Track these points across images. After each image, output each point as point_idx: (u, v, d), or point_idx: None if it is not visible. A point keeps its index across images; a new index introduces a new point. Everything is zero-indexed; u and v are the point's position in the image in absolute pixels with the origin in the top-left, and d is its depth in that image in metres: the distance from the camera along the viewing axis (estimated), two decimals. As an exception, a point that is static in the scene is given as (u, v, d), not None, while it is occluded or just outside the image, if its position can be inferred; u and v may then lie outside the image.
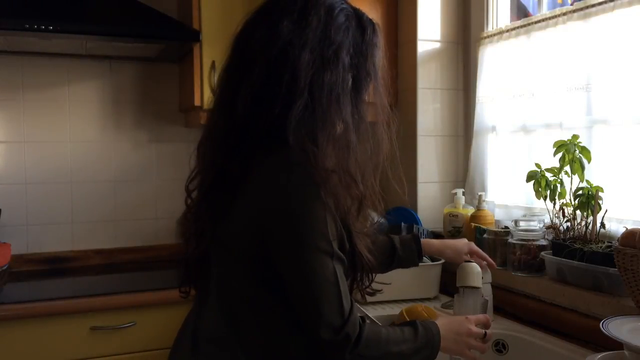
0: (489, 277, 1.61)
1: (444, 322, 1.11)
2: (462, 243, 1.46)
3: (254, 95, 0.99)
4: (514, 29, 1.87)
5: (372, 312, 1.71)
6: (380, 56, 1.07)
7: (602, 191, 1.50)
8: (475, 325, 1.15)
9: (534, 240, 1.65)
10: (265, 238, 0.96)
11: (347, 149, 1.00)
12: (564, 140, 1.55)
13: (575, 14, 1.64)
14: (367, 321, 1.00)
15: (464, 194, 2.01)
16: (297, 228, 0.93)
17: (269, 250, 0.96)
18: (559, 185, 1.59)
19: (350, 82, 1.03)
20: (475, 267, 1.58)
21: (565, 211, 1.58)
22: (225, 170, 1.00)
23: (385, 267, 1.38)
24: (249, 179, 0.97)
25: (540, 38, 1.77)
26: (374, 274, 1.10)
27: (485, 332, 1.15)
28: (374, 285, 1.13)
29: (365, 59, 1.05)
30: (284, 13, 1.02)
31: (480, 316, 1.19)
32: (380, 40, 1.08)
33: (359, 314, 0.98)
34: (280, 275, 0.96)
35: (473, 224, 1.88)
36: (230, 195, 0.99)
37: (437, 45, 2.15)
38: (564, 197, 1.59)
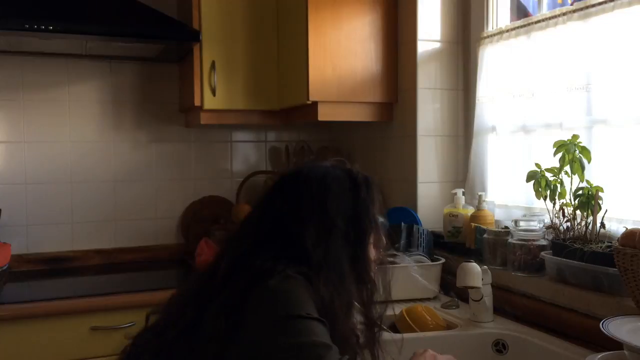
0: (488, 278, 1.62)
1: None
2: None
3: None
4: (514, 29, 1.87)
5: (372, 312, 1.71)
6: (377, 208, 1.15)
7: (602, 191, 1.50)
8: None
9: (534, 240, 1.64)
10: None
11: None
12: (564, 140, 1.55)
13: (575, 14, 1.64)
14: None
15: (464, 194, 2.01)
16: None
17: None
18: (559, 185, 1.59)
19: (352, 242, 1.10)
20: (475, 267, 1.58)
21: (565, 211, 1.58)
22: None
23: None
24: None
25: (540, 38, 1.77)
26: None
27: None
28: None
29: (363, 216, 1.12)
30: (278, 191, 1.15)
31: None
32: (376, 194, 1.15)
33: None
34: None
35: (473, 224, 1.88)
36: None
37: (437, 45, 2.15)
38: (564, 197, 1.59)
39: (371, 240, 1.13)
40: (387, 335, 1.58)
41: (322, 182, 1.11)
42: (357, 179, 1.14)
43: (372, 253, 1.14)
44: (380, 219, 1.16)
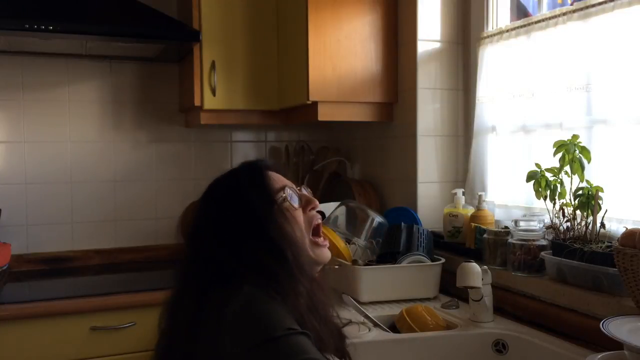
0: (489, 278, 1.62)
1: None
2: None
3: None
4: (514, 29, 1.87)
5: (373, 312, 1.71)
6: (274, 182, 1.11)
7: (602, 191, 1.50)
8: None
9: (534, 240, 1.64)
10: None
11: None
12: (564, 140, 1.55)
13: (575, 14, 1.64)
14: None
15: (464, 194, 2.01)
16: None
17: None
18: (559, 185, 1.59)
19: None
20: (475, 267, 1.58)
21: (565, 211, 1.57)
22: None
23: None
24: None
25: (540, 38, 1.77)
26: None
27: None
28: None
29: (258, 202, 1.07)
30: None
31: None
32: (268, 169, 1.13)
33: None
34: None
35: (473, 224, 1.88)
36: None
37: (437, 45, 2.15)
38: (564, 197, 1.59)
39: (285, 214, 1.08)
40: (387, 335, 1.59)
41: (207, 196, 1.11)
42: (239, 171, 1.13)
43: (297, 220, 1.10)
44: (289, 190, 1.10)
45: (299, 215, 1.11)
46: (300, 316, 0.97)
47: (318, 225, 1.14)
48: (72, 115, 2.51)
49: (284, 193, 1.09)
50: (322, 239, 1.15)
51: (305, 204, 1.13)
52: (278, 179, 1.13)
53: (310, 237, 1.13)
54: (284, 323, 0.90)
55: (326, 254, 1.14)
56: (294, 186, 1.14)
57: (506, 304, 1.68)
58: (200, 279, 1.02)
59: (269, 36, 2.38)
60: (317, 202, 1.15)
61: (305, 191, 1.17)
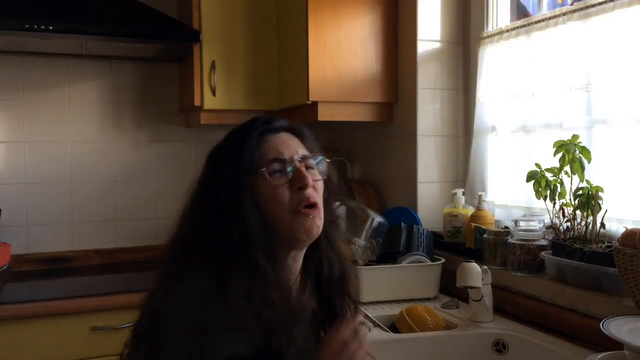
0: (488, 278, 1.62)
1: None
2: None
3: None
4: (514, 29, 1.87)
5: (373, 312, 1.71)
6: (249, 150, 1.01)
7: (602, 191, 1.50)
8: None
9: (534, 240, 1.64)
10: None
11: None
12: (564, 140, 1.55)
13: (575, 14, 1.64)
14: None
15: (464, 194, 2.01)
16: None
17: None
18: (559, 185, 1.59)
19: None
20: (475, 267, 1.58)
21: (565, 211, 1.58)
22: None
23: None
24: None
25: (540, 38, 1.77)
26: None
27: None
28: None
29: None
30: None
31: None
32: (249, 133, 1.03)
33: None
34: None
35: (473, 224, 1.88)
36: None
37: (437, 45, 2.15)
38: (564, 197, 1.59)
39: (261, 190, 0.99)
40: (387, 335, 1.59)
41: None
42: (236, 129, 1.05)
43: (276, 199, 0.98)
44: (276, 164, 0.99)
45: (282, 193, 0.99)
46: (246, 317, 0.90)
47: (306, 207, 1.00)
48: (72, 115, 2.50)
49: (268, 166, 0.99)
50: (310, 210, 1.00)
51: (291, 182, 1.00)
52: (280, 145, 1.02)
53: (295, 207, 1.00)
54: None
55: (309, 224, 1.00)
56: (294, 157, 1.01)
57: (506, 304, 1.68)
58: (166, 258, 1.02)
59: (269, 36, 2.38)
60: (309, 181, 1.00)
61: (316, 166, 1.04)
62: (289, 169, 1.00)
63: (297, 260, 1.05)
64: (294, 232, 1.00)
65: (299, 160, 1.02)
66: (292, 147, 1.03)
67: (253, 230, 0.96)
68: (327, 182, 1.07)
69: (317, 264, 1.08)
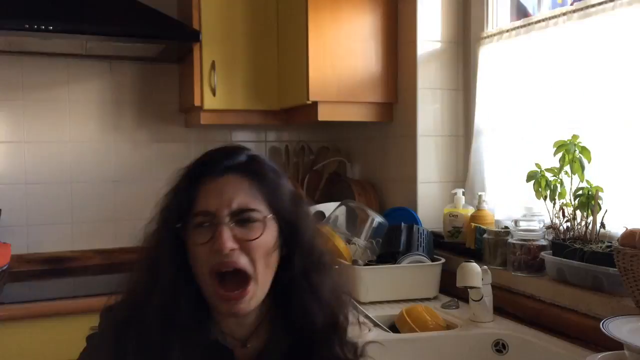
0: (488, 278, 1.62)
1: None
2: None
3: None
4: (514, 29, 1.87)
5: (373, 312, 1.71)
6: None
7: (602, 191, 1.50)
8: None
9: (534, 240, 1.64)
10: None
11: None
12: (564, 140, 1.55)
13: (575, 14, 1.64)
14: None
15: (464, 194, 2.01)
16: None
17: None
18: (559, 185, 1.59)
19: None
20: (475, 267, 1.58)
21: (565, 211, 1.57)
22: None
23: None
24: None
25: (540, 38, 1.77)
26: None
27: None
28: None
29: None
30: None
31: None
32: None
33: None
34: None
35: (473, 224, 1.88)
36: None
37: (437, 45, 2.15)
38: (564, 197, 1.59)
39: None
40: (387, 335, 1.59)
41: None
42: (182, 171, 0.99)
43: (196, 256, 0.88)
44: (199, 217, 0.88)
45: (202, 252, 0.87)
46: None
47: (222, 274, 0.87)
48: (72, 115, 2.50)
49: (193, 219, 0.88)
50: (231, 294, 0.87)
51: (212, 242, 0.86)
52: (211, 194, 0.89)
53: (215, 281, 0.87)
54: None
55: (226, 308, 0.88)
56: (222, 211, 0.87)
57: (506, 304, 1.68)
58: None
59: (269, 36, 2.38)
60: (224, 245, 0.85)
61: (264, 220, 0.88)
62: (211, 225, 0.87)
63: (240, 321, 0.93)
64: (214, 303, 0.89)
65: (230, 215, 0.87)
66: (226, 197, 0.87)
67: (159, 285, 0.89)
68: (300, 225, 0.92)
69: (295, 313, 0.93)
